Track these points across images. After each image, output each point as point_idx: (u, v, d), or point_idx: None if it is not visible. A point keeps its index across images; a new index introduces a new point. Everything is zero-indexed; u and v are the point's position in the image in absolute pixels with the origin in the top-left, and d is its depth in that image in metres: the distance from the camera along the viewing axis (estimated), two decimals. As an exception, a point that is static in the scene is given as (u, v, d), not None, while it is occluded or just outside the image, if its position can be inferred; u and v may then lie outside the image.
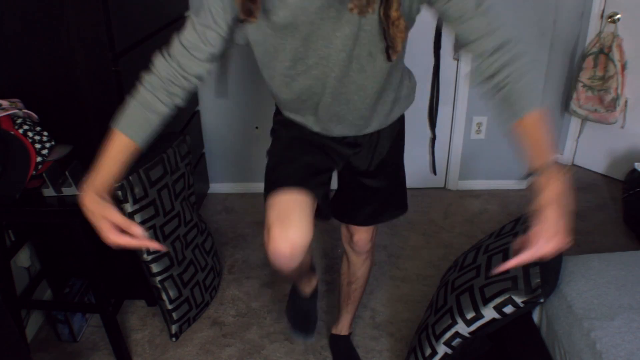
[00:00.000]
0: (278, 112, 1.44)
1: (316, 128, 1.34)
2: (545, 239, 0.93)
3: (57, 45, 1.64)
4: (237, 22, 1.12)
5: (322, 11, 1.06)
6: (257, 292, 2.24)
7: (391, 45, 1.09)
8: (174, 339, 1.97)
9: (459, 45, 1.06)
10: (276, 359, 1.91)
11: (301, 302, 1.74)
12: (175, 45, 1.13)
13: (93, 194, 1.07)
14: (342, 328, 1.91)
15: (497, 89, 1.02)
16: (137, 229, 1.02)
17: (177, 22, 2.36)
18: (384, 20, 1.06)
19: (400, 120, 1.45)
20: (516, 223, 1.71)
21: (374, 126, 1.35)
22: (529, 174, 1.02)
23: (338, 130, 1.33)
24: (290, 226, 1.16)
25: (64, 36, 1.62)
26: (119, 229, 1.03)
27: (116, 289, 2.02)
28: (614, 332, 1.29)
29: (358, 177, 1.48)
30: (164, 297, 1.89)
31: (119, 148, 1.12)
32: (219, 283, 2.26)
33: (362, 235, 1.61)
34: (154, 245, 1.07)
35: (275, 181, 1.28)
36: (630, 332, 1.28)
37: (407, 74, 1.39)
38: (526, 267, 1.44)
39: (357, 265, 1.72)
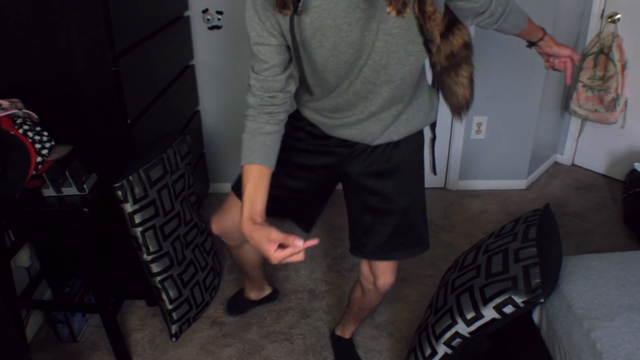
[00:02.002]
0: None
1: (324, 127, 1.39)
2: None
3: (57, 45, 1.64)
4: (274, 21, 1.14)
5: (348, 14, 1.07)
6: (257, 292, 2.24)
7: (430, 39, 1.11)
8: (174, 339, 1.97)
9: (467, 18, 1.15)
10: (276, 359, 1.91)
11: (242, 299, 2.11)
12: (251, 74, 1.22)
13: (249, 223, 1.13)
14: (345, 333, 1.90)
15: (500, 21, 1.21)
16: (297, 240, 1.03)
17: (177, 22, 2.36)
18: (420, 16, 1.07)
19: (414, 141, 1.42)
20: (516, 223, 1.71)
21: (384, 137, 1.36)
22: (530, 45, 1.40)
23: (347, 133, 1.36)
24: (224, 219, 1.55)
25: (64, 36, 1.62)
26: (280, 245, 1.06)
27: (116, 289, 2.02)
28: (614, 332, 1.29)
29: (362, 190, 1.44)
30: (164, 297, 1.89)
31: (253, 176, 1.20)
32: (219, 283, 2.26)
33: (387, 278, 1.51)
34: (312, 242, 1.06)
35: (235, 185, 1.48)
36: (630, 332, 1.28)
37: (429, 90, 1.39)
38: (526, 267, 1.44)
39: (374, 299, 1.65)
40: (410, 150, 1.41)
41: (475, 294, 1.48)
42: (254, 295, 2.08)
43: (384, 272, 1.50)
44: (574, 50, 1.39)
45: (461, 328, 1.48)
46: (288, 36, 1.15)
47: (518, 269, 1.45)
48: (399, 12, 1.01)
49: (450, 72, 1.25)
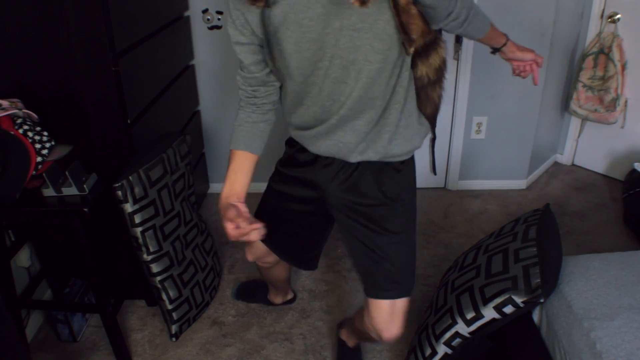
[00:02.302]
0: (277, 169, 1.50)
1: (304, 142, 1.37)
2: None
3: (57, 45, 1.64)
4: (243, 20, 1.17)
5: (309, 8, 1.07)
6: (257, 292, 2.24)
7: (405, 35, 1.11)
8: (174, 339, 1.97)
9: (434, 22, 1.17)
10: (276, 359, 1.91)
11: (260, 296, 2.15)
12: (238, 70, 1.30)
13: (224, 202, 1.27)
14: (349, 341, 1.86)
15: (465, 25, 1.22)
16: (242, 222, 1.15)
17: (177, 22, 2.36)
18: (394, 9, 1.06)
19: (404, 180, 1.37)
20: (516, 223, 1.71)
21: (360, 151, 1.29)
22: (494, 51, 1.40)
23: (324, 145, 1.31)
24: (255, 248, 1.62)
25: (64, 36, 1.62)
26: (238, 225, 1.17)
27: (116, 289, 2.02)
28: (614, 332, 1.30)
29: (350, 228, 1.40)
30: (164, 297, 1.89)
31: (236, 160, 1.32)
32: (219, 283, 2.26)
33: (392, 331, 1.38)
34: (257, 225, 1.18)
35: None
36: (630, 332, 1.28)
37: (417, 115, 1.32)
38: (526, 267, 1.44)
39: (377, 340, 1.54)
40: (398, 189, 1.35)
41: (475, 294, 1.48)
42: (278, 300, 2.14)
43: (387, 327, 1.38)
44: (537, 54, 1.40)
45: (461, 328, 1.48)
46: (259, 31, 1.17)
47: (518, 269, 1.45)
48: (363, 3, 1.02)
49: (435, 85, 1.28)
